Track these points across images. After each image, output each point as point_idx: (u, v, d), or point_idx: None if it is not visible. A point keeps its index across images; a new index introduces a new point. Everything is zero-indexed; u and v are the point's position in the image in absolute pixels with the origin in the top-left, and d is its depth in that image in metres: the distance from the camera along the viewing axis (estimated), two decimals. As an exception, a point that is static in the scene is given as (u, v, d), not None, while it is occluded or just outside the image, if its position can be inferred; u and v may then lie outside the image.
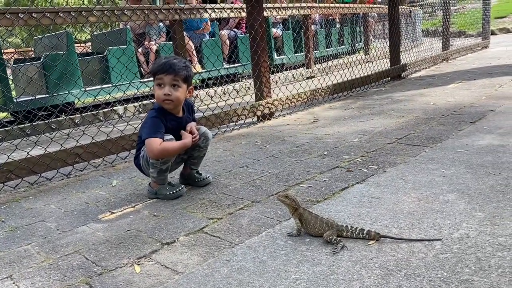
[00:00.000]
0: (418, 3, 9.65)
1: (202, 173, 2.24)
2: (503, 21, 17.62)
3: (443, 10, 7.24)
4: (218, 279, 1.27)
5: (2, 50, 4.70)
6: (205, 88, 5.74)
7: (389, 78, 5.42)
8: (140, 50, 6.62)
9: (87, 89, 4.86)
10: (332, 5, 7.22)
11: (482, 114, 3.06)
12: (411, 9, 9.02)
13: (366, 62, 6.24)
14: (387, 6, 5.63)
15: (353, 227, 1.45)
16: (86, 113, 4.21)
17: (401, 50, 5.67)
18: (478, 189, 1.74)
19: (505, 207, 1.55)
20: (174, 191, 2.06)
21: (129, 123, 3.09)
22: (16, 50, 7.33)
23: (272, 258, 1.36)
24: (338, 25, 10.42)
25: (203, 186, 2.18)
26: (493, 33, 13.08)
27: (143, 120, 2.12)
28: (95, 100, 4.47)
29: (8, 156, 2.48)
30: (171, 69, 1.95)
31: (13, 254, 1.61)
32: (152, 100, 4.74)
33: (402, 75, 5.57)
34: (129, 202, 2.06)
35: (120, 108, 4.45)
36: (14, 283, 1.39)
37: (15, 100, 4.71)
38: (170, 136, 1.99)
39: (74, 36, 5.58)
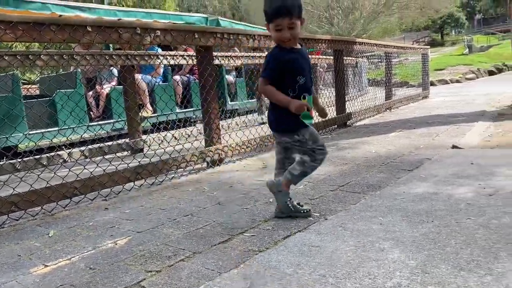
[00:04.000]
0: (364, 55, 10.21)
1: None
2: (442, 73, 18.98)
3: (385, 62, 7.72)
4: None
5: None
6: (155, 132, 5.71)
7: (336, 126, 5.63)
8: (90, 93, 6.54)
9: (30, 133, 4.70)
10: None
11: (420, 162, 3.23)
12: (357, 60, 9.55)
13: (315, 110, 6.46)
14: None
15: None
16: (28, 158, 4.05)
17: (347, 99, 5.94)
18: (412, 237, 1.82)
19: (435, 255, 1.62)
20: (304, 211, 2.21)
21: (71, 169, 3.01)
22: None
23: (208, 313, 1.33)
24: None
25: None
26: (433, 84, 14.05)
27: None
28: (37, 145, 4.32)
29: None
30: (287, 13, 1.99)
31: None
32: (99, 145, 4.64)
33: (347, 123, 5.80)
34: (65, 254, 1.97)
35: (64, 153, 4.31)
36: None
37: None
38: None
39: (20, 79, 5.44)
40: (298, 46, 2.17)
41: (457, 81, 16.33)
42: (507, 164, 2.90)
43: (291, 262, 1.67)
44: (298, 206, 2.24)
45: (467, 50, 31.84)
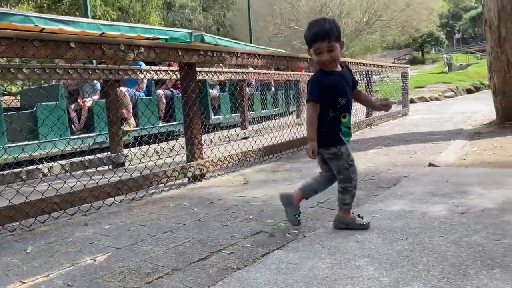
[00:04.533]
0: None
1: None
2: (422, 90, 19.40)
3: (365, 80, 7.88)
4: None
5: None
6: (138, 146, 5.70)
7: (318, 141, 5.69)
8: (72, 106, 6.51)
9: (10, 146, 4.65)
10: (266, 71, 7.63)
11: (397, 180, 3.30)
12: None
13: (298, 125, 6.53)
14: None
15: None
16: (7, 172, 4.00)
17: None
18: (386, 254, 1.86)
19: (408, 272, 1.67)
20: (363, 223, 2.23)
21: (51, 184, 2.99)
22: None
23: (185, 330, 1.35)
24: (273, 89, 10.93)
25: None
26: (413, 102, 14.35)
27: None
28: (16, 158, 4.27)
29: None
30: (325, 36, 2.12)
31: None
32: (80, 158, 4.62)
33: (329, 139, 5.86)
34: (42, 271, 1.96)
35: (44, 167, 4.28)
36: None
37: None
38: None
39: (1, 91, 5.40)
40: (339, 68, 2.26)
41: (437, 99, 16.72)
42: (480, 183, 2.99)
43: (268, 279, 1.70)
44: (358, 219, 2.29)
45: (446, 68, 32.63)
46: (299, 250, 2.00)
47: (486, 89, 20.86)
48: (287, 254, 1.96)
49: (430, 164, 3.75)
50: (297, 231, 2.27)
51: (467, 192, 2.78)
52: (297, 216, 2.28)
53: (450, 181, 3.10)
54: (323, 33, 2.12)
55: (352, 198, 2.25)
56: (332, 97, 2.19)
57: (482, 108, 9.47)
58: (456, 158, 4.09)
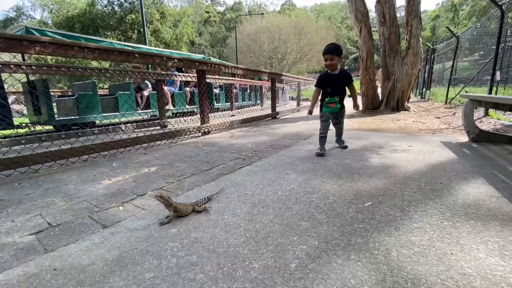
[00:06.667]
0: (288, 84, 10.25)
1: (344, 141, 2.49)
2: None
3: (297, 87, 7.83)
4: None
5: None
6: (175, 118, 5.53)
7: (271, 118, 5.69)
8: (138, 95, 6.17)
9: (103, 115, 4.40)
10: (244, 80, 7.42)
11: (309, 135, 3.36)
12: (284, 86, 9.60)
13: (261, 110, 6.49)
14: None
15: (200, 199, 1.33)
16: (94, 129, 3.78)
17: (278, 105, 5.96)
18: (302, 168, 1.93)
19: (311, 176, 1.74)
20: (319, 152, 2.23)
21: (125, 133, 2.87)
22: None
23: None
24: (248, 90, 10.70)
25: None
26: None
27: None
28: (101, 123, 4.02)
29: None
30: (328, 52, 2.17)
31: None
32: (143, 123, 4.42)
33: (277, 117, 5.87)
34: (121, 175, 1.91)
35: (121, 126, 4.07)
36: (42, 217, 1.23)
37: None
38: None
39: (97, 84, 5.03)
40: (336, 72, 2.24)
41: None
42: (352, 138, 3.07)
43: (241, 178, 1.73)
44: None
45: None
46: (258, 166, 2.03)
47: (360, 94, 21.09)
48: (252, 168, 1.99)
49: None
50: (258, 158, 2.29)
51: (346, 142, 2.87)
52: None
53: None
54: (329, 50, 2.18)
55: (319, 139, 2.36)
56: (324, 86, 2.26)
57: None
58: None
